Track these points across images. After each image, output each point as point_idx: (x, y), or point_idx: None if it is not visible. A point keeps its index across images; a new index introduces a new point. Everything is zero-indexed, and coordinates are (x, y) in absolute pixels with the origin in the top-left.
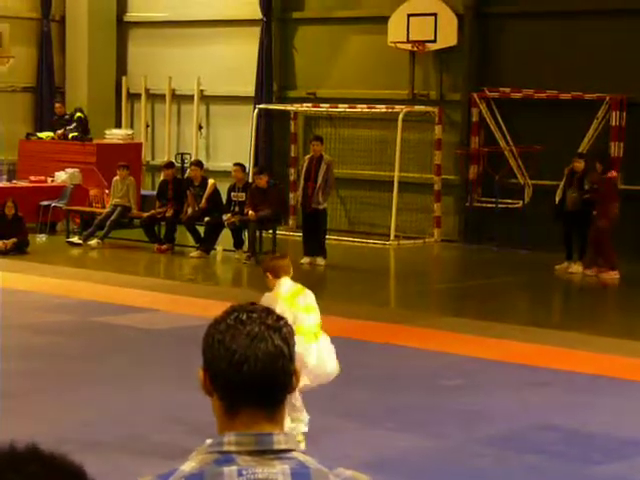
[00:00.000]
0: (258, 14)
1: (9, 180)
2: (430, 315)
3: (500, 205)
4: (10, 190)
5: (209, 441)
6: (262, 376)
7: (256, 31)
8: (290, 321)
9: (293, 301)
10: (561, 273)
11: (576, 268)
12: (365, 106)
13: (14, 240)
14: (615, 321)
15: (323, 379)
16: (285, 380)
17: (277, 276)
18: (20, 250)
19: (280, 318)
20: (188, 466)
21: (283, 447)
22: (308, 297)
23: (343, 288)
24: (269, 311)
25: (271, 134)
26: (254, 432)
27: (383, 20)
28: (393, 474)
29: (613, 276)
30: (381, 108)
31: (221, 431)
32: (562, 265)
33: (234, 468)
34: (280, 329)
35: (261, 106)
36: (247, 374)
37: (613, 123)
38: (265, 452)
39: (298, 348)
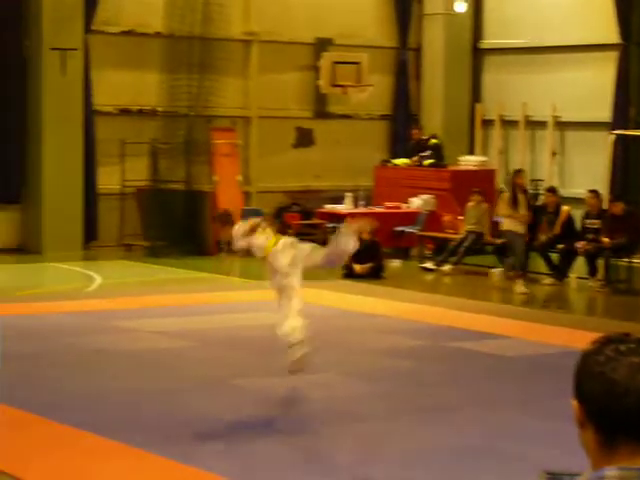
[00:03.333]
0: (615, 38)
1: (365, 206)
2: None
3: None
4: (367, 215)
5: (544, 474)
6: None
7: (612, 55)
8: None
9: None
10: None
11: None
12: None
13: (370, 265)
14: None
15: None
16: None
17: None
18: (375, 275)
19: None
20: None
21: None
22: None
23: None
24: None
25: (627, 160)
26: (638, 467)
27: None
28: None
29: None
30: None
31: (596, 465)
32: None
33: None
34: None
35: (617, 132)
36: (628, 407)
37: None
38: None
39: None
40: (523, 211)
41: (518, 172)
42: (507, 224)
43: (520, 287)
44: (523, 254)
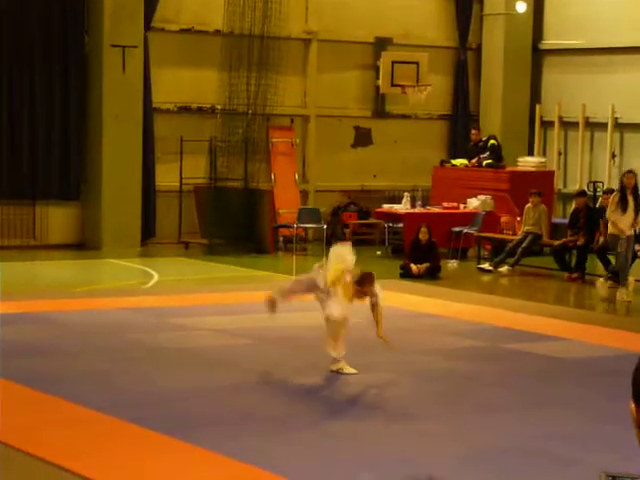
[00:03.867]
0: None
1: (423, 206)
2: None
3: None
4: (424, 216)
5: (604, 475)
6: None
7: None
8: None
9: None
10: None
11: None
12: None
13: (427, 265)
14: None
15: None
16: None
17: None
18: (432, 275)
19: None
20: None
21: None
22: None
23: None
24: None
25: None
26: None
27: None
28: None
29: None
30: None
31: None
32: None
33: None
34: None
35: None
36: None
37: None
38: None
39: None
40: (631, 212)
41: (628, 173)
42: (611, 228)
43: (623, 294)
44: (623, 259)
